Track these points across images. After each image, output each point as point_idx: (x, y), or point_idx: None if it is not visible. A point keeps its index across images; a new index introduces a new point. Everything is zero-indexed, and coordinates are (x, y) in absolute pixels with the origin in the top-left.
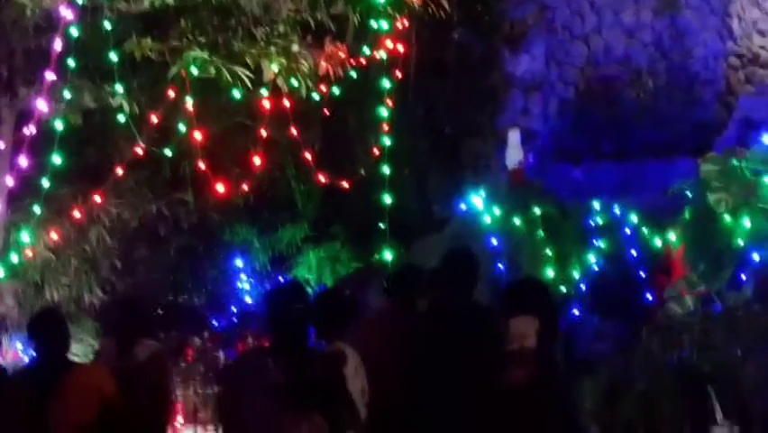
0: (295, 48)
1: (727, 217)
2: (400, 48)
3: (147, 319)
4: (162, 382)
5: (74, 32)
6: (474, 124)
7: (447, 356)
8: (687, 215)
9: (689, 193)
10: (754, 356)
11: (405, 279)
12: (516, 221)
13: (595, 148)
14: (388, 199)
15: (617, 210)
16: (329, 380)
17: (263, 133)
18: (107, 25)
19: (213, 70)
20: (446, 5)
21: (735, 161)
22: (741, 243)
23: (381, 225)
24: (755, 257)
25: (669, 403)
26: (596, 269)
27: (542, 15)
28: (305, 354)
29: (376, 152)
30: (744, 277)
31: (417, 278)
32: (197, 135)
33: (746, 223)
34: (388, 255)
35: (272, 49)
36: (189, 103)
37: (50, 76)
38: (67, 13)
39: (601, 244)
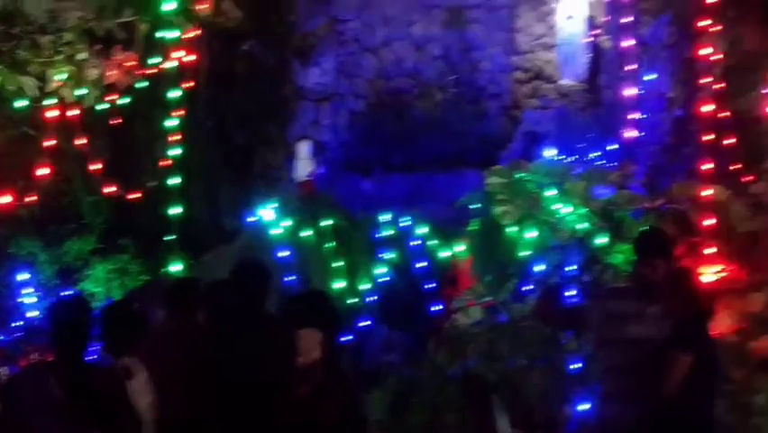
0: (82, 56)
1: (512, 229)
2: (190, 58)
3: None
4: None
5: None
6: (265, 136)
7: (233, 369)
8: (473, 226)
9: (475, 205)
10: (539, 365)
11: (182, 291)
12: (306, 233)
13: (385, 160)
14: (176, 210)
15: (405, 222)
16: (111, 394)
17: (49, 143)
18: None
19: None
20: (237, 16)
21: (519, 174)
22: (525, 254)
23: (170, 237)
24: (539, 268)
25: (455, 413)
26: (385, 280)
27: (333, 27)
28: (84, 369)
29: (166, 162)
30: (528, 288)
31: (195, 290)
32: None
33: (530, 235)
34: (177, 268)
35: (59, 57)
36: None
37: None
38: None
39: (390, 255)
